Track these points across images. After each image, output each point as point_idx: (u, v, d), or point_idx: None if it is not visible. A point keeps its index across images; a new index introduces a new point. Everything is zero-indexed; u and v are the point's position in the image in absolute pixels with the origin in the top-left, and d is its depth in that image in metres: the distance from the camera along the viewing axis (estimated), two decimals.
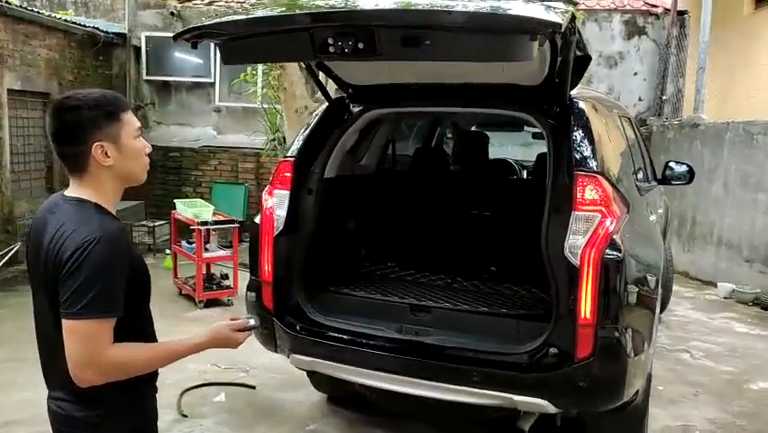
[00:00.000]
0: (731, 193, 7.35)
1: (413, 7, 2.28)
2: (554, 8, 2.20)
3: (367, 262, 3.88)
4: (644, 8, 9.49)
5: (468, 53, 2.27)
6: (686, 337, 5.60)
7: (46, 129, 1.69)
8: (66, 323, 1.50)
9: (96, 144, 1.57)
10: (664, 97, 9.26)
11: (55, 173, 8.22)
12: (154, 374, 1.74)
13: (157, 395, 1.78)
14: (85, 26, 8.93)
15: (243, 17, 2.46)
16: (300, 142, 3.30)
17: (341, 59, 2.57)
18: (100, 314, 1.50)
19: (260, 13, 2.57)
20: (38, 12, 8.16)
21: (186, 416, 3.80)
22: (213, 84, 9.71)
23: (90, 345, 1.50)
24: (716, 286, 7.21)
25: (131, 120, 1.65)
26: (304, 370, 3.48)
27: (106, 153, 1.59)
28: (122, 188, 1.69)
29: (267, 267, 3.15)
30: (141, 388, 1.69)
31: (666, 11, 9.32)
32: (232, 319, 1.81)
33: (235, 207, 8.83)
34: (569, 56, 2.56)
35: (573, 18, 2.28)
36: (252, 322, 1.82)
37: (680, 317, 6.20)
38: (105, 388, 1.56)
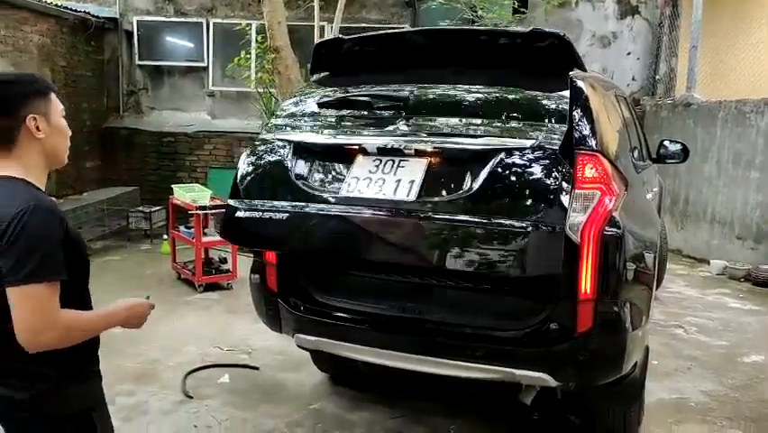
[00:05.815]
0: (724, 171, 7.43)
1: None
2: None
3: None
4: None
5: None
6: (680, 313, 5.70)
7: None
8: (14, 291, 1.51)
9: (29, 117, 1.63)
10: (657, 77, 9.27)
11: None
12: (93, 353, 1.78)
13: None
14: (76, 11, 8.87)
15: None
16: None
17: None
18: (47, 276, 1.52)
19: None
20: None
21: (191, 397, 3.85)
22: (206, 68, 9.67)
23: (44, 307, 1.52)
24: (708, 263, 7.32)
25: (58, 101, 1.73)
26: (308, 350, 3.53)
27: (38, 127, 1.65)
28: (47, 168, 1.72)
29: None
30: (81, 366, 1.71)
31: None
32: None
33: None
34: None
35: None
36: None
37: (674, 294, 6.30)
38: (44, 367, 1.59)
